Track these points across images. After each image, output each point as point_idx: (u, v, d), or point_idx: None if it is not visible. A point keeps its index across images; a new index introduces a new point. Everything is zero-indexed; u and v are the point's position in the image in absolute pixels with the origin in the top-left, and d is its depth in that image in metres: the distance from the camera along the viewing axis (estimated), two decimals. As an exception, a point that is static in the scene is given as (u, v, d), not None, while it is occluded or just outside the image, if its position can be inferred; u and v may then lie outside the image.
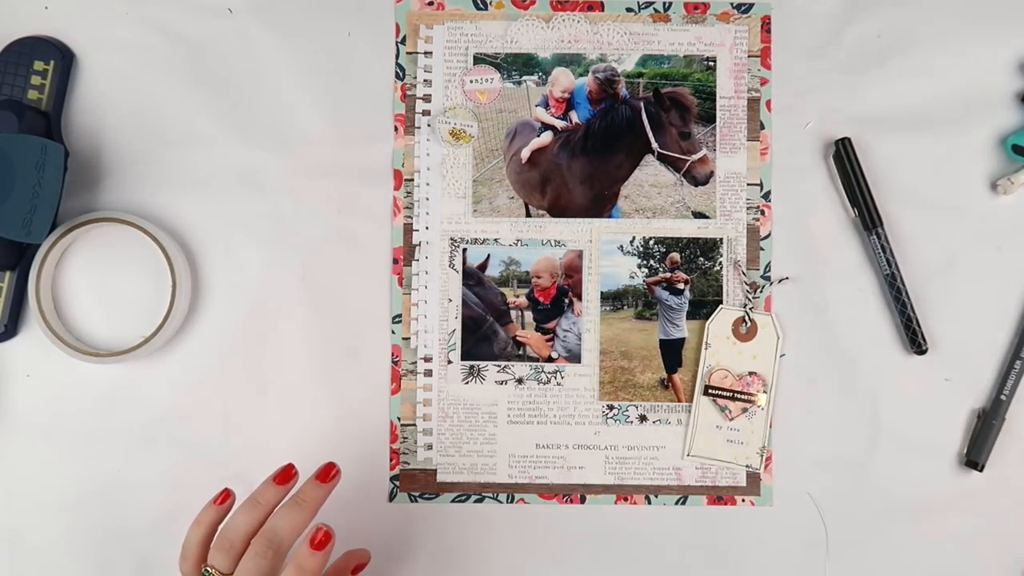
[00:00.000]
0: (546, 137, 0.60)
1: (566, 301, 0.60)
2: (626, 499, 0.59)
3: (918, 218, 0.60)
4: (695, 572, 0.59)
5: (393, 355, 0.59)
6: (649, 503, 0.59)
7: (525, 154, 0.60)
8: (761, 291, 0.58)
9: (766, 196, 0.60)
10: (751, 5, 0.60)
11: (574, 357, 0.59)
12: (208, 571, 0.47)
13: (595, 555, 0.59)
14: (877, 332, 0.59)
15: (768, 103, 0.60)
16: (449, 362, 0.59)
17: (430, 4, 0.60)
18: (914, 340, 0.58)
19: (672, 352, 0.59)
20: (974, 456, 0.58)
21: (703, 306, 0.60)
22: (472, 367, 0.59)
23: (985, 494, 0.59)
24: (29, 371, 0.58)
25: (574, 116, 0.60)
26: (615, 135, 0.60)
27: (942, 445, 0.59)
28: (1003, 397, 0.58)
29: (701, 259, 0.60)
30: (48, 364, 0.58)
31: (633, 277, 0.60)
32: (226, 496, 0.51)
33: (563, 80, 0.60)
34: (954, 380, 0.59)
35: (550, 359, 0.59)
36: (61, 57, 0.58)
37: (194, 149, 0.59)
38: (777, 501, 0.59)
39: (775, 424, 0.59)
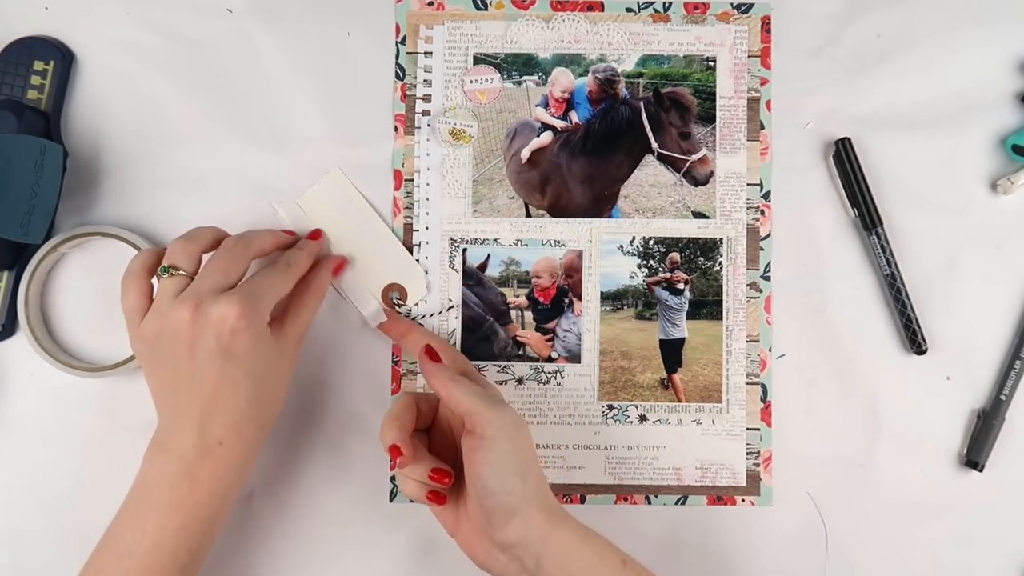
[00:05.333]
0: (546, 137, 0.60)
1: (566, 301, 0.60)
2: (626, 499, 0.59)
3: (918, 218, 0.60)
4: (695, 572, 0.59)
5: (393, 355, 0.59)
6: (649, 503, 0.59)
7: (525, 154, 0.60)
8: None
9: (766, 196, 0.60)
10: (751, 5, 0.60)
11: (574, 357, 0.59)
12: (168, 269, 0.44)
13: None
14: (877, 332, 0.59)
15: (768, 103, 0.60)
16: (449, 362, 0.59)
17: (430, 4, 0.60)
18: (914, 340, 0.58)
19: (672, 352, 0.59)
20: (974, 456, 0.58)
21: (703, 306, 0.60)
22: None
23: (985, 494, 0.59)
24: (32, 370, 0.58)
25: (574, 116, 0.60)
26: (615, 135, 0.60)
27: (942, 445, 0.59)
28: (1003, 397, 0.58)
29: (701, 259, 0.60)
30: (48, 364, 0.58)
31: (633, 277, 0.60)
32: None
33: (563, 80, 0.60)
34: (954, 380, 0.59)
35: (550, 359, 0.59)
36: (61, 57, 0.58)
37: (194, 149, 0.59)
38: (777, 501, 0.59)
39: (775, 424, 0.59)
